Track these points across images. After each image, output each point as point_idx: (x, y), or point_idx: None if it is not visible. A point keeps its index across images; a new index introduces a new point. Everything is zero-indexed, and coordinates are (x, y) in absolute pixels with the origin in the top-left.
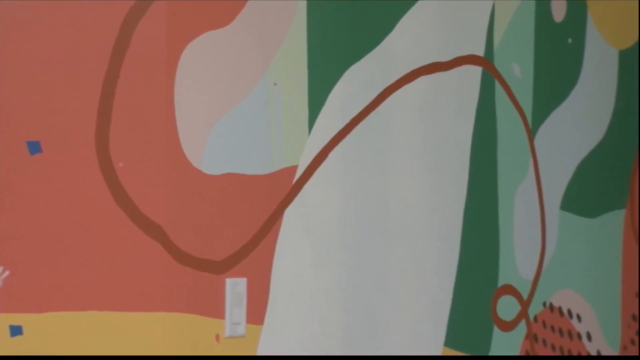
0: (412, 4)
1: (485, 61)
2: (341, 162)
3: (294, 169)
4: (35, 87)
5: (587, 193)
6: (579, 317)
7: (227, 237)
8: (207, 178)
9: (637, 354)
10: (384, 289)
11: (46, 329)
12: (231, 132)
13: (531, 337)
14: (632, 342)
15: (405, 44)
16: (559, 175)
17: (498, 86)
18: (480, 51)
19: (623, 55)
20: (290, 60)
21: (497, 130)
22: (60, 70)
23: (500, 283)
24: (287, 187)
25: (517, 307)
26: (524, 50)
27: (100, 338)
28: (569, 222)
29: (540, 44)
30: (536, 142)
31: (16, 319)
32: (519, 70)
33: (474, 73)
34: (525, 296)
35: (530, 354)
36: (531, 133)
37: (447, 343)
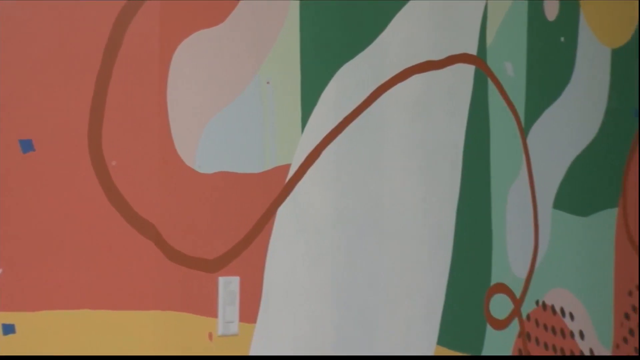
0: (405, 3)
1: (478, 60)
2: (334, 161)
3: (286, 167)
4: (28, 85)
5: (580, 192)
6: (571, 316)
7: (220, 236)
8: (200, 177)
9: (637, 354)
10: (377, 287)
11: (39, 328)
12: (224, 131)
13: (524, 335)
14: (625, 340)
15: (398, 42)
16: (551, 173)
17: (491, 85)
18: (473, 50)
19: (615, 53)
20: (283, 59)
21: (490, 129)
22: (53, 69)
23: (493, 281)
24: (280, 185)
25: (509, 306)
26: (517, 49)
27: (94, 336)
28: (561, 220)
29: (533, 42)
30: (529, 141)
31: (9, 317)
32: (511, 68)
33: (467, 71)
34: (518, 295)
35: (523, 352)
36: (524, 131)
37: (440, 341)
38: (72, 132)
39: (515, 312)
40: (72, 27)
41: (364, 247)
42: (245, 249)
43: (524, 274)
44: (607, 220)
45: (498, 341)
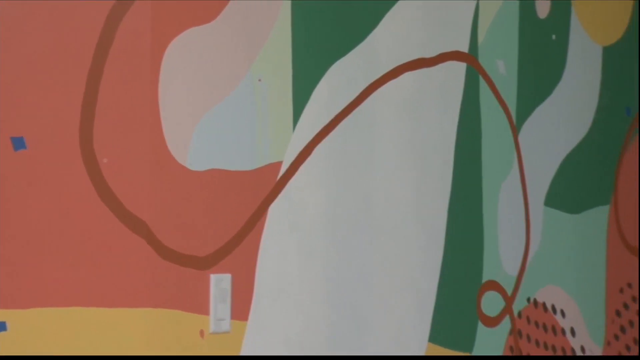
0: (396, 1)
1: (470, 57)
2: (326, 158)
3: (278, 164)
4: (20, 83)
5: (572, 189)
6: (563, 313)
7: (211, 233)
8: (192, 174)
9: (628, 351)
10: (369, 284)
11: (31, 325)
12: (216, 128)
13: (516, 332)
14: (616, 337)
15: (389, 40)
16: (543, 171)
17: (482, 82)
18: (464, 47)
19: (607, 51)
20: (275, 56)
21: (482, 126)
22: (45, 67)
23: (485, 279)
24: (271, 182)
25: (501, 303)
26: (509, 47)
27: (86, 334)
28: (553, 218)
29: (525, 40)
30: (520, 138)
31: (1, 315)
32: (503, 66)
33: (459, 69)
34: (509, 292)
35: (515, 350)
36: (516, 129)
37: (432, 339)
38: (63, 129)
39: (507, 310)
40: (63, 24)
41: (356, 244)
42: (237, 247)
43: (515, 272)
44: (599, 217)
45: (490, 338)
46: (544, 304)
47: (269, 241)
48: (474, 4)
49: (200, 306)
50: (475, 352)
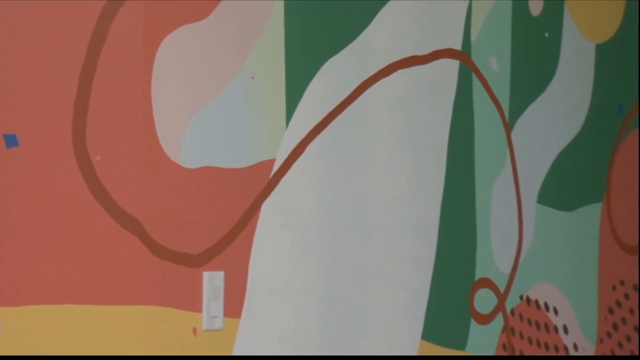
0: None
1: (463, 55)
2: (319, 156)
3: (271, 162)
4: (13, 81)
5: (565, 186)
6: (555, 310)
7: (204, 231)
8: (185, 171)
9: (620, 349)
10: (362, 282)
11: (24, 323)
12: (209, 126)
13: (508, 330)
14: (609, 334)
15: (382, 37)
16: (536, 168)
17: (475, 80)
18: (457, 45)
19: (600, 49)
20: (268, 54)
21: (475, 124)
22: (37, 64)
23: (478, 276)
24: (264, 180)
25: (494, 301)
26: (502, 44)
27: (78, 331)
28: (546, 215)
29: (518, 38)
30: (513, 136)
31: None
32: (496, 64)
33: (452, 67)
34: (502, 289)
35: (508, 347)
36: (508, 126)
37: (425, 336)
38: (56, 127)
39: (500, 307)
40: (56, 21)
41: (349, 241)
42: (230, 244)
43: (508, 269)
44: (591, 215)
45: (483, 336)
46: (536, 302)
47: (262, 239)
48: (467, 1)
49: (193, 304)
50: (468, 350)
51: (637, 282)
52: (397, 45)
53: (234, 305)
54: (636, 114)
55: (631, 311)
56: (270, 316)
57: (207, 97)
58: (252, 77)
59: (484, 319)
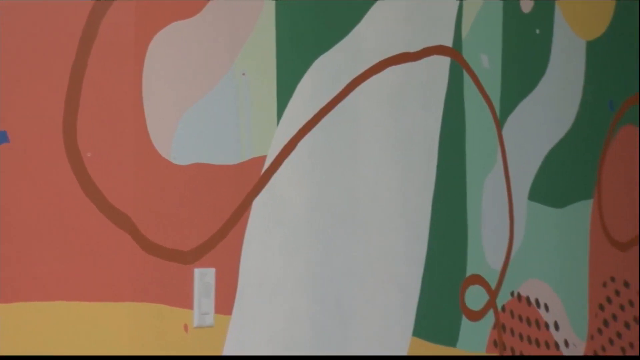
0: None
1: (454, 52)
2: (310, 152)
3: (262, 159)
4: (3, 77)
5: (555, 183)
6: (546, 307)
7: (195, 227)
8: (176, 168)
9: (612, 345)
10: (353, 278)
11: (14, 319)
12: (199, 122)
13: (499, 326)
14: (599, 331)
15: (373, 34)
16: (527, 165)
17: (466, 77)
18: (448, 42)
19: (590, 46)
20: (258, 50)
21: (466, 121)
22: (28, 60)
23: (469, 273)
24: (255, 177)
25: (485, 297)
26: (492, 41)
27: (69, 328)
28: (536, 212)
29: (509, 34)
30: (504, 133)
31: None
32: (487, 60)
33: (443, 63)
34: (493, 286)
35: (499, 343)
36: (499, 123)
37: (416, 333)
38: (47, 123)
39: (491, 304)
40: (47, 17)
41: (340, 238)
42: (221, 241)
43: (499, 266)
44: (582, 211)
45: (473, 332)
46: (527, 298)
47: (252, 235)
48: None
49: (184, 300)
50: (459, 346)
51: (628, 279)
52: (388, 41)
53: (224, 301)
54: (626, 110)
55: (621, 307)
56: (261, 313)
57: (198, 94)
58: (243, 74)
59: (475, 316)
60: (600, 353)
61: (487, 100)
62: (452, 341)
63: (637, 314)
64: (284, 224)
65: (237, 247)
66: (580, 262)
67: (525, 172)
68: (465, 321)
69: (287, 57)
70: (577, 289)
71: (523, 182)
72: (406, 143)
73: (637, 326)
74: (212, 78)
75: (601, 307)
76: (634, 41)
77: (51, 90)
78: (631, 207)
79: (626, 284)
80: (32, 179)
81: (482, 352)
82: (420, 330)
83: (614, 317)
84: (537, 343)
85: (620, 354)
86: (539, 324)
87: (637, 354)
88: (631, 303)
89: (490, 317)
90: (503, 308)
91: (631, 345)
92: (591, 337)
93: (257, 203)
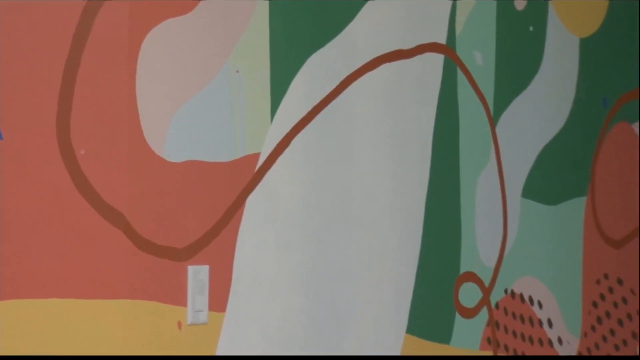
0: None
1: (448, 49)
2: (303, 150)
3: (256, 156)
4: None
5: (549, 180)
6: (540, 304)
7: (189, 225)
8: (169, 165)
9: (605, 342)
10: (347, 276)
11: (7, 317)
12: (193, 119)
13: (493, 324)
14: (593, 328)
15: (367, 31)
16: (520, 162)
17: (460, 74)
18: (442, 39)
19: (584, 43)
20: (252, 48)
21: (459, 118)
22: (21, 57)
23: (462, 270)
24: (249, 174)
25: (478, 294)
26: (486, 38)
27: (63, 325)
28: (530, 209)
29: (502, 32)
30: (498, 130)
31: None
32: (480, 58)
33: (436, 61)
34: (487, 283)
35: (492, 340)
36: (493, 120)
37: (410, 330)
38: (40, 120)
39: (484, 301)
40: (40, 14)
41: (334, 235)
42: (215, 238)
43: (492, 263)
44: (575, 209)
45: (467, 330)
46: (521, 295)
47: (246, 233)
48: None
49: (178, 297)
50: (453, 344)
51: (621, 276)
52: (382, 39)
53: (218, 299)
54: (619, 108)
55: (615, 305)
56: (255, 310)
57: (192, 91)
58: (237, 71)
59: (469, 313)
60: (594, 350)
61: (481, 97)
62: (446, 338)
63: (632, 311)
64: (278, 221)
65: (231, 244)
66: (573, 259)
67: (518, 169)
68: (459, 318)
69: (281, 54)
70: (570, 286)
71: (517, 180)
72: (400, 140)
73: (630, 323)
74: (206, 75)
75: (595, 305)
76: (627, 38)
77: (44, 87)
78: (625, 204)
79: (620, 281)
80: (25, 176)
81: (476, 349)
82: (414, 327)
83: (608, 314)
84: (531, 340)
85: (613, 351)
86: (532, 321)
87: (630, 351)
88: (624, 300)
89: (483, 315)
90: (497, 305)
91: (625, 342)
92: (585, 334)
93: (251, 200)
